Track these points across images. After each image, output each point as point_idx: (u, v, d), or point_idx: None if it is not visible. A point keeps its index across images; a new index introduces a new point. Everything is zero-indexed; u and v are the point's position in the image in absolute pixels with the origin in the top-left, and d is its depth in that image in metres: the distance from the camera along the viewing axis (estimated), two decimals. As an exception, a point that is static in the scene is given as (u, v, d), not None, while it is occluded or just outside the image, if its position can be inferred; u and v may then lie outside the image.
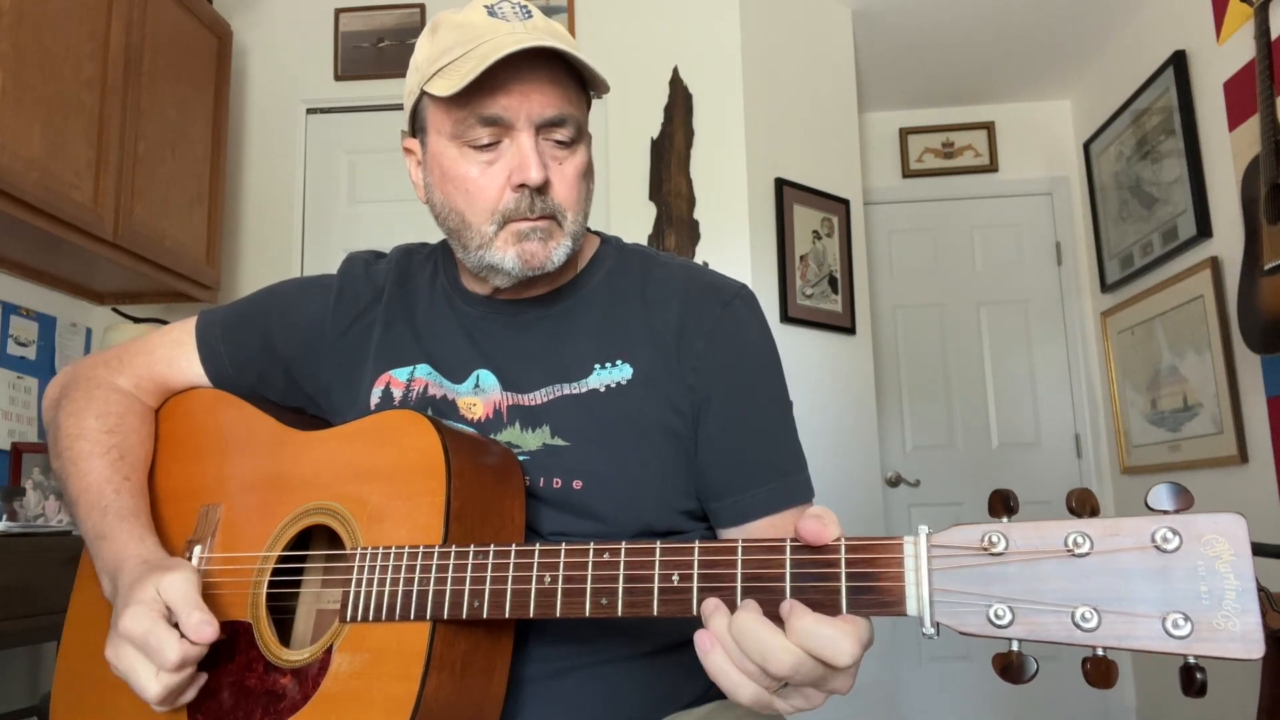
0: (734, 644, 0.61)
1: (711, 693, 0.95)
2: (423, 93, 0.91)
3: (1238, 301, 2.62)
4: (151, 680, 0.77)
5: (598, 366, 0.93)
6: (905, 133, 4.18)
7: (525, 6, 0.90)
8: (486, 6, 0.89)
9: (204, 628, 0.78)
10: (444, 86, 0.86)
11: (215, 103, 2.87)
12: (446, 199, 0.92)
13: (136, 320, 2.86)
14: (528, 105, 0.87)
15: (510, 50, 0.83)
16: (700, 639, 0.63)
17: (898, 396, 4.05)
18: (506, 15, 0.88)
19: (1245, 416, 2.80)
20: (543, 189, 0.89)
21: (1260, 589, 0.58)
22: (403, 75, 0.96)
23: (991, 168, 4.11)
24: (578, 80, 0.91)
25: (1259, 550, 1.75)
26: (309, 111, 3.19)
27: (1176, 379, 3.17)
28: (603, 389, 0.92)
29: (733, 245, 2.98)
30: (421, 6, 3.15)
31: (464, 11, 0.91)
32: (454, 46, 0.87)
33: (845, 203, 3.33)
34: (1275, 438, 2.65)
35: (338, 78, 3.17)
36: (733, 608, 0.63)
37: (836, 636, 0.58)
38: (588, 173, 0.95)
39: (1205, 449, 3.00)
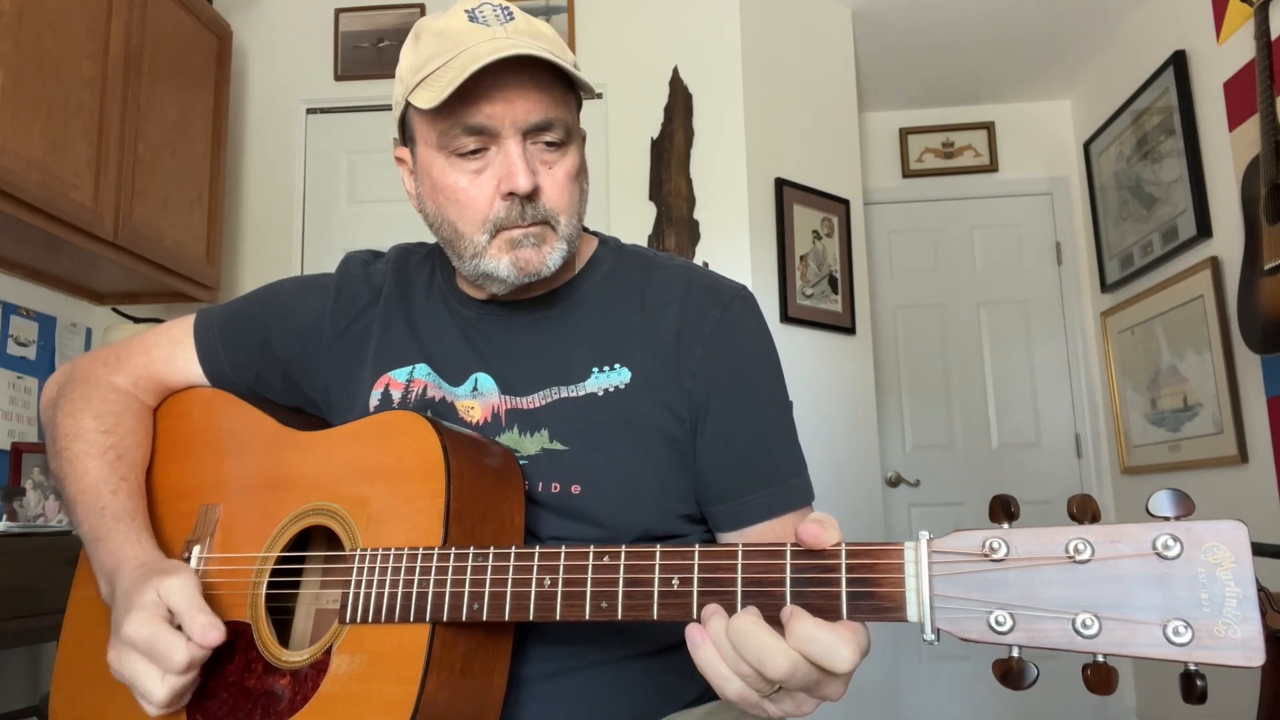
0: (730, 646, 0.61)
1: (709, 693, 0.95)
2: (408, 103, 0.90)
3: (1238, 301, 2.62)
4: (157, 684, 0.77)
5: (596, 370, 0.93)
6: (905, 133, 4.18)
7: (507, 8, 0.89)
8: (467, 11, 0.88)
9: (209, 631, 0.78)
10: (426, 99, 0.85)
11: (215, 103, 2.87)
12: (438, 209, 0.92)
13: (136, 320, 2.86)
14: (512, 112, 0.86)
15: (488, 60, 0.82)
16: (691, 632, 0.63)
17: (898, 396, 4.05)
18: (487, 19, 0.87)
19: (1245, 416, 2.80)
20: (533, 195, 0.88)
21: (1260, 589, 0.58)
22: (403, 75, 0.95)
23: (991, 168, 4.11)
24: (564, 80, 0.89)
25: (1259, 550, 1.75)
26: (309, 111, 3.18)
27: (1176, 379, 3.17)
28: (601, 393, 0.92)
29: (733, 245, 2.97)
30: (421, 6, 3.15)
31: (444, 17, 0.89)
32: (435, 55, 0.86)
33: (845, 203, 3.32)
34: (1275, 438, 2.65)
35: (338, 78, 3.17)
36: (732, 612, 0.63)
37: (835, 642, 0.58)
38: (579, 174, 0.93)
39: (1205, 449, 3.00)
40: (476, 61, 0.82)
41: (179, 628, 0.79)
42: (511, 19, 0.88)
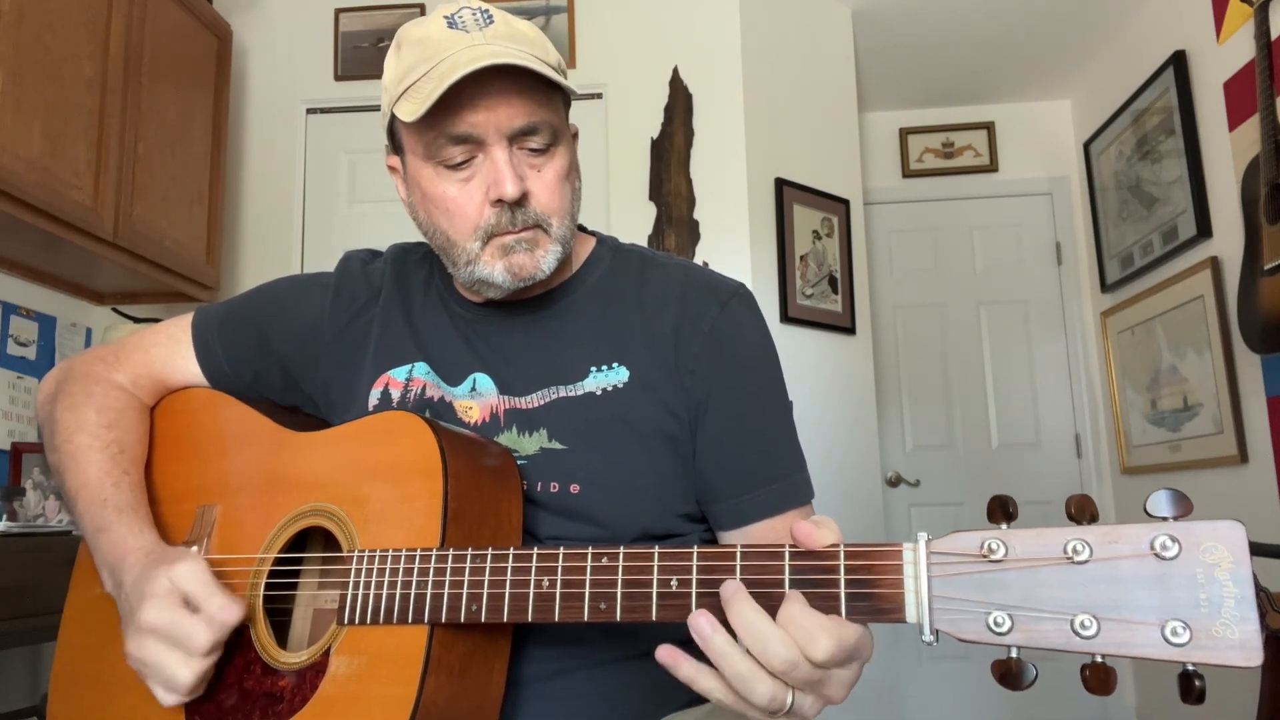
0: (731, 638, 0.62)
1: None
2: (393, 114, 0.89)
3: (1238, 301, 2.62)
4: (183, 668, 0.78)
5: (594, 369, 0.93)
6: (905, 133, 4.18)
7: (486, 10, 0.88)
8: (446, 17, 0.87)
9: (229, 609, 0.79)
10: (408, 111, 0.85)
11: (215, 103, 2.87)
12: (430, 218, 0.92)
13: (136, 320, 2.86)
14: (495, 119, 0.85)
15: (466, 70, 0.81)
16: (698, 621, 0.63)
17: (898, 396, 4.04)
18: (466, 25, 0.86)
19: (1245, 416, 2.80)
20: (522, 200, 0.87)
21: (1260, 589, 0.58)
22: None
23: (991, 168, 4.11)
24: (548, 80, 0.88)
25: (1258, 550, 1.75)
26: (309, 111, 3.18)
27: (1176, 379, 3.17)
28: (599, 392, 0.92)
29: (733, 245, 2.97)
30: (421, 6, 3.15)
31: (424, 24, 0.89)
32: (416, 65, 0.86)
33: (845, 203, 3.32)
34: (1275, 438, 2.65)
35: (338, 78, 3.17)
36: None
37: (814, 629, 0.59)
38: (570, 174, 0.93)
39: (1205, 449, 3.00)
40: (455, 72, 0.82)
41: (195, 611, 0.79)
42: (491, 23, 0.87)
